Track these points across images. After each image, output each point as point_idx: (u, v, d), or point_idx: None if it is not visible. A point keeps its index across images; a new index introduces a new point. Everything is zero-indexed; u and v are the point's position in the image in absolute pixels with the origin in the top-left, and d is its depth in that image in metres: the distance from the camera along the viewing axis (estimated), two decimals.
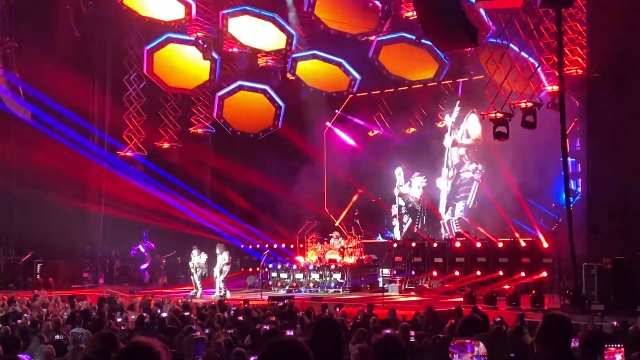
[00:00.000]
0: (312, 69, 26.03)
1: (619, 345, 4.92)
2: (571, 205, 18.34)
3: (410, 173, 28.74)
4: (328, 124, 30.71)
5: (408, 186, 28.72)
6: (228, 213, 29.06)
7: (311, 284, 25.16)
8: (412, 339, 10.13)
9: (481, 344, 4.48)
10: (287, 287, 25.24)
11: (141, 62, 26.35)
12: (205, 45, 25.46)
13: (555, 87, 20.41)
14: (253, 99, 26.57)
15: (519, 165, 24.67)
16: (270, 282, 25.88)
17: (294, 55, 25.49)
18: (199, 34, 25.56)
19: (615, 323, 13.01)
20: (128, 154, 28.25)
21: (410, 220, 28.65)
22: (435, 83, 26.68)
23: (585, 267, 18.04)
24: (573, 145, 22.28)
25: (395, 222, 29.04)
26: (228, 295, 22.99)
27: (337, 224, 29.38)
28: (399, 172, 28.94)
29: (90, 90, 28.90)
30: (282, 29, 24.85)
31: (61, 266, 27.48)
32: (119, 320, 13.68)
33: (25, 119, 26.48)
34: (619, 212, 20.69)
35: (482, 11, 21.55)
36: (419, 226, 28.25)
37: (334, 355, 4.49)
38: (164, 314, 14.37)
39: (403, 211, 28.95)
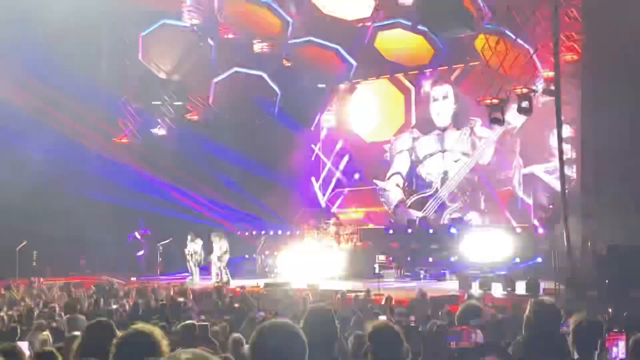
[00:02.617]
0: (308, 56, 26.00)
1: (621, 331, 4.91)
2: (566, 191, 18.39)
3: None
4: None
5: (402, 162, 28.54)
6: (224, 200, 29.05)
7: None
8: (413, 324, 10.18)
9: (479, 331, 4.50)
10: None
11: (137, 49, 26.26)
12: (200, 32, 25.40)
13: (551, 73, 20.39)
14: (249, 85, 26.55)
15: (515, 150, 24.84)
16: (266, 269, 25.89)
17: (290, 42, 25.44)
18: (195, 21, 25.47)
19: (610, 310, 13.03)
20: (124, 140, 28.18)
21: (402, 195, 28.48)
22: (431, 69, 26.68)
23: (580, 253, 18.08)
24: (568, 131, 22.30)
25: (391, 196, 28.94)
26: (230, 281, 23.12)
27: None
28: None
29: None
30: (277, 15, 24.80)
31: (58, 253, 27.45)
32: (115, 307, 13.69)
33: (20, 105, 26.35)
34: (614, 198, 20.72)
35: None
36: (411, 201, 28.22)
37: (327, 343, 4.50)
38: (161, 301, 14.40)
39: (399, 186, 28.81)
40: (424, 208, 27.35)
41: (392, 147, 28.65)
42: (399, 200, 28.32)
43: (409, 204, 27.97)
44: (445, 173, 26.96)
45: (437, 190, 27.09)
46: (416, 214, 27.28)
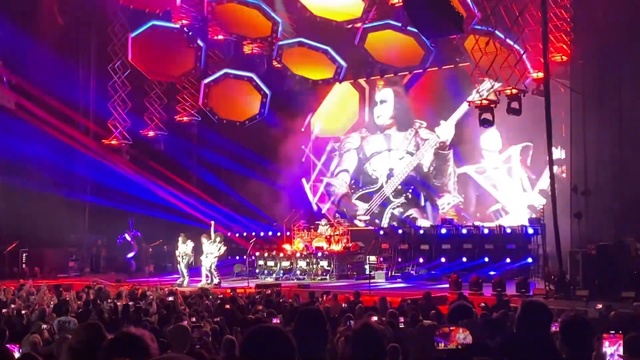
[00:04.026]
0: (298, 56, 25.99)
1: (617, 332, 4.89)
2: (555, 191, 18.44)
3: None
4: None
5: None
6: (214, 201, 29.01)
7: (298, 272, 25.19)
8: (402, 325, 10.16)
9: (467, 331, 4.50)
10: (274, 275, 25.26)
11: (126, 50, 26.20)
12: (190, 33, 25.35)
13: (541, 74, 20.45)
14: (239, 86, 26.51)
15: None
16: (257, 270, 25.86)
17: (280, 43, 25.43)
18: (184, 22, 25.43)
19: (600, 306, 13.09)
20: (113, 142, 28.11)
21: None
22: (421, 70, 26.72)
23: (570, 253, 18.14)
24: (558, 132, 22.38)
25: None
26: (220, 282, 23.11)
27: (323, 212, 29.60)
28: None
29: (74, 78, 28.71)
30: (267, 16, 24.77)
31: (47, 255, 27.36)
32: (105, 309, 13.64)
33: (9, 107, 26.27)
34: (603, 198, 20.80)
35: None
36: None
37: (318, 345, 4.48)
38: (151, 303, 14.35)
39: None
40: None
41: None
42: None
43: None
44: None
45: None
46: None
